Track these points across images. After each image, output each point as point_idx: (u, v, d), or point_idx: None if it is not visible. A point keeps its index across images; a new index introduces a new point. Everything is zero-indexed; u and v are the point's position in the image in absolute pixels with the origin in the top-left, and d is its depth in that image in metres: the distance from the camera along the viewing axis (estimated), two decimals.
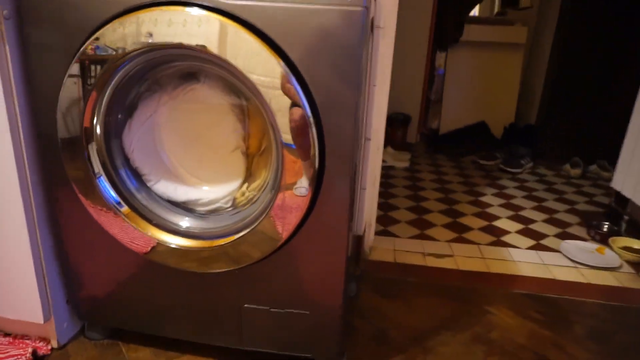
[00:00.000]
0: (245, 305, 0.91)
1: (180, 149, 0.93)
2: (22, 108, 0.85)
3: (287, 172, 0.80)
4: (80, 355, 1.01)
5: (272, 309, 0.90)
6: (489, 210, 1.96)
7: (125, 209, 0.86)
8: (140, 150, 0.91)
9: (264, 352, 0.96)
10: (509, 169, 2.47)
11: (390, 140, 2.75)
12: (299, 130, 0.76)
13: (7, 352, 0.97)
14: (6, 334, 1.03)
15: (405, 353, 1.06)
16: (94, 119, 0.81)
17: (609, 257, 1.56)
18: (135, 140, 0.90)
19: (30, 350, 0.97)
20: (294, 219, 0.82)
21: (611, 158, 2.14)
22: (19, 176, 0.87)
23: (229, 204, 0.93)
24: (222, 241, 0.86)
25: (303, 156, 0.78)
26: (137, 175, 0.91)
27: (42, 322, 0.96)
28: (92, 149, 0.82)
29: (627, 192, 1.70)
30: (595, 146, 2.59)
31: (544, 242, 1.68)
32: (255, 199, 0.90)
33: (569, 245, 1.62)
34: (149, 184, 0.92)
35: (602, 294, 1.35)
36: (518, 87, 2.90)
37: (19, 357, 0.95)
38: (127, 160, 0.90)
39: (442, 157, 2.77)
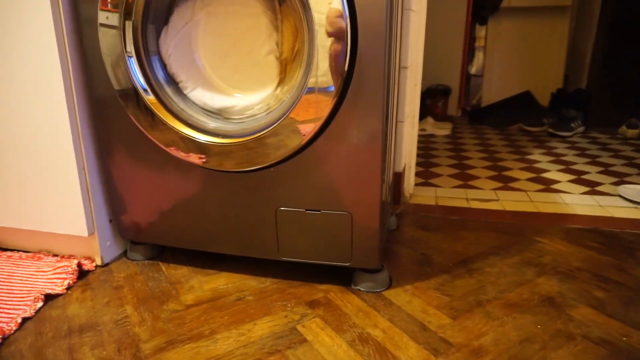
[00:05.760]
0: (281, 209, 0.90)
1: (216, 57, 0.94)
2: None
3: (320, 64, 0.78)
4: (123, 271, 1.02)
5: (307, 210, 0.88)
6: (537, 165, 1.86)
7: (151, 97, 0.87)
8: (176, 57, 0.92)
9: (301, 262, 0.94)
10: (558, 133, 2.35)
11: (431, 111, 2.69)
12: (336, 26, 0.76)
13: (54, 266, 1.00)
14: (54, 255, 1.06)
15: (450, 273, 1.01)
16: None
17: None
18: (172, 46, 0.91)
19: (75, 262, 1.00)
20: (322, 113, 0.80)
21: None
22: (66, 98, 0.91)
23: (262, 110, 0.92)
24: (250, 137, 0.86)
25: (336, 49, 0.77)
26: (171, 78, 0.92)
27: (86, 234, 0.99)
28: (129, 27, 0.84)
29: None
30: None
31: (599, 188, 1.57)
32: (286, 99, 0.88)
33: (628, 188, 1.51)
34: (185, 91, 0.93)
35: None
36: (565, 51, 2.77)
37: (65, 267, 0.98)
38: (163, 63, 0.91)
39: (485, 127, 2.67)
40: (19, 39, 0.90)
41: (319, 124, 0.82)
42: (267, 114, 0.90)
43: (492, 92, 2.94)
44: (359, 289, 0.94)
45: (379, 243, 0.88)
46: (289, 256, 0.94)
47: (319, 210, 0.88)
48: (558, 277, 0.98)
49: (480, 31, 3.02)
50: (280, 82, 0.93)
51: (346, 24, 0.77)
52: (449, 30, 2.83)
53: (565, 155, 2.01)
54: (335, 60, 0.78)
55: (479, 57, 3.07)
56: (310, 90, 0.81)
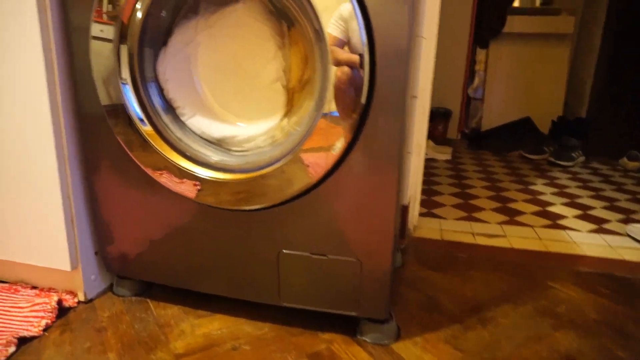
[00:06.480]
0: (284, 251, 0.83)
1: (217, 82, 0.87)
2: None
3: (333, 97, 0.72)
4: (107, 309, 0.94)
5: (313, 255, 0.81)
6: (541, 197, 1.81)
7: (148, 128, 0.80)
8: (174, 81, 0.85)
9: (303, 309, 0.87)
10: (559, 162, 2.31)
11: (431, 134, 2.64)
12: (352, 57, 0.70)
13: (32, 301, 0.91)
14: (33, 287, 0.98)
15: (461, 323, 0.94)
16: (134, 13, 0.76)
17: None
18: (170, 69, 0.84)
19: (55, 299, 0.91)
20: (334, 150, 0.74)
21: None
22: (52, 116, 0.83)
23: (267, 142, 0.85)
24: (254, 174, 0.79)
25: (352, 78, 0.71)
26: (169, 105, 0.85)
27: (68, 269, 0.90)
28: (124, 51, 0.77)
29: None
30: None
31: (606, 226, 1.52)
32: (294, 132, 0.82)
33: (637, 228, 1.46)
34: (182, 118, 0.86)
35: None
36: (565, 79, 2.75)
37: (44, 304, 0.90)
38: (160, 88, 0.84)
39: (485, 152, 2.63)
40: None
41: (330, 162, 0.75)
42: (272, 147, 0.83)
43: (492, 117, 2.90)
44: (365, 340, 0.86)
45: (388, 293, 0.81)
46: (291, 302, 0.86)
47: (326, 255, 0.81)
48: (576, 332, 0.92)
49: (481, 55, 2.99)
50: (287, 112, 0.86)
51: (363, 52, 0.70)
52: (450, 53, 2.80)
53: (568, 187, 1.97)
54: (351, 93, 0.72)
55: (478, 80, 3.04)
56: (322, 125, 0.74)
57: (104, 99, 0.83)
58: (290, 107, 0.87)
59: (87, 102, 0.84)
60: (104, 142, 0.87)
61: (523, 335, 0.90)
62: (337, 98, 0.73)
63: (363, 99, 0.72)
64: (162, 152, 0.80)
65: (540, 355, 0.84)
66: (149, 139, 0.80)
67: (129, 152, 0.84)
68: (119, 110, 0.82)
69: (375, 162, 0.74)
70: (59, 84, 0.84)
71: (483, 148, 2.70)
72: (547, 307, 1.00)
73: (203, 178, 0.83)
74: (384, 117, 0.72)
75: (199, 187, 0.85)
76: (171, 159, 0.81)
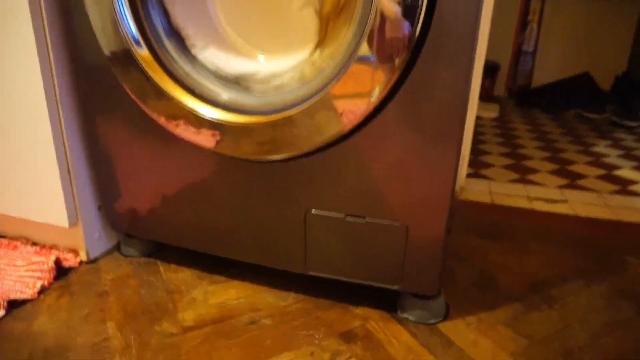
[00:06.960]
0: (313, 212, 0.68)
1: (236, 6, 0.71)
2: None
3: (377, 26, 0.55)
4: (112, 271, 0.83)
5: (348, 216, 0.67)
6: (605, 159, 1.60)
7: (144, 52, 0.65)
8: (183, 4, 0.70)
9: (333, 279, 0.73)
10: (623, 122, 2.06)
11: None
12: None
13: (29, 260, 0.81)
14: (34, 244, 0.88)
15: (522, 301, 0.79)
16: None
17: None
18: None
19: (53, 258, 0.81)
20: (377, 90, 0.58)
21: None
22: (39, 54, 0.70)
23: (294, 79, 0.70)
24: (277, 116, 0.64)
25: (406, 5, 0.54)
26: (176, 33, 0.70)
27: (66, 225, 0.80)
28: None
29: None
30: None
31: None
32: (326, 68, 0.66)
33: None
34: (193, 51, 0.71)
35: None
36: (634, 31, 2.43)
37: (41, 264, 0.79)
38: (165, 12, 0.69)
39: (536, 111, 2.39)
40: None
41: (372, 104, 0.59)
42: (300, 85, 0.67)
43: (545, 72, 2.63)
44: (406, 318, 0.73)
45: (440, 265, 0.67)
46: (319, 271, 0.73)
47: (364, 217, 0.66)
48: None
49: (535, 3, 2.69)
50: (320, 44, 0.70)
51: None
52: (501, 2, 2.51)
53: (636, 149, 1.73)
54: (401, 19, 0.55)
55: (531, 31, 2.75)
56: (363, 59, 0.58)
57: (102, 40, 0.68)
58: (323, 37, 0.70)
59: (83, 41, 0.70)
60: (103, 83, 0.73)
61: (600, 320, 0.74)
62: (383, 28, 0.56)
63: (418, 29, 0.55)
64: (163, 87, 0.66)
65: (624, 346, 0.68)
66: (145, 67, 0.65)
67: (133, 97, 0.70)
68: (120, 53, 0.67)
69: (430, 106, 0.58)
70: (46, 19, 0.70)
71: (534, 106, 2.45)
72: (627, 287, 0.84)
73: (218, 122, 0.68)
74: (445, 52, 0.55)
75: (218, 138, 0.71)
76: (175, 96, 0.67)
